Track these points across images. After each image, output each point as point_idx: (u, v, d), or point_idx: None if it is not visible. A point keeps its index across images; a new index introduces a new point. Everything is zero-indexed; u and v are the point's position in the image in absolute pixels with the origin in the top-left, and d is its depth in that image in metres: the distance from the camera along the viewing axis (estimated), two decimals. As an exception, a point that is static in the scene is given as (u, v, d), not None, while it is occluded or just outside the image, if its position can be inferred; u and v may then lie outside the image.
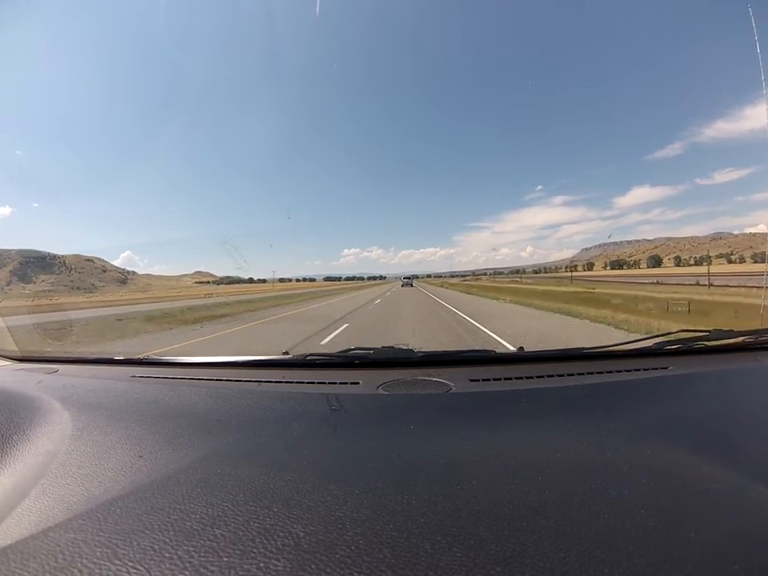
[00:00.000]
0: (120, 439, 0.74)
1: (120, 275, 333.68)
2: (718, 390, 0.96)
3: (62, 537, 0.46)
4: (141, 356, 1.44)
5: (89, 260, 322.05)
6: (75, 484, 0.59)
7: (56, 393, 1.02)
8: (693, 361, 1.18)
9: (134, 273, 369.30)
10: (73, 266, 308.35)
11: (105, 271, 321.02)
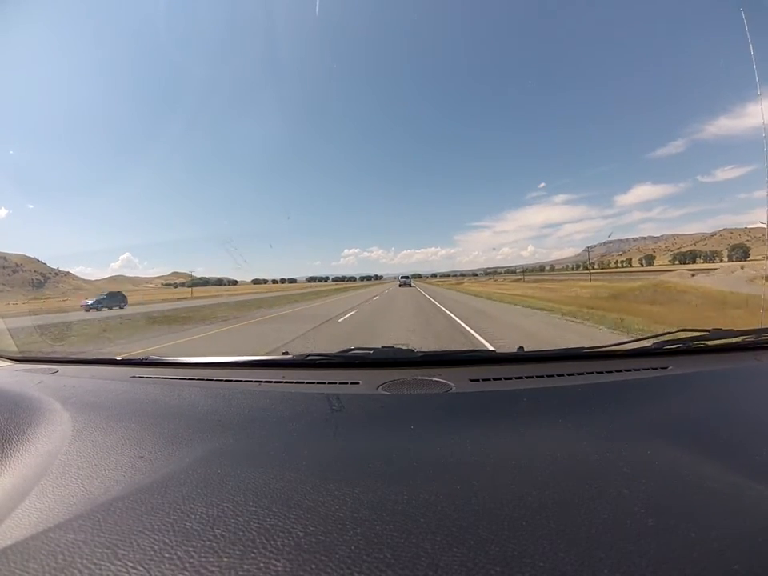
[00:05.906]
0: (120, 439, 0.73)
1: (38, 277, 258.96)
2: (718, 390, 0.95)
3: (62, 537, 0.45)
4: (141, 356, 1.45)
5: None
6: (75, 484, 0.58)
7: (56, 393, 1.01)
8: (693, 360, 1.18)
9: (67, 273, 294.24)
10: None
11: (15, 272, 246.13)
